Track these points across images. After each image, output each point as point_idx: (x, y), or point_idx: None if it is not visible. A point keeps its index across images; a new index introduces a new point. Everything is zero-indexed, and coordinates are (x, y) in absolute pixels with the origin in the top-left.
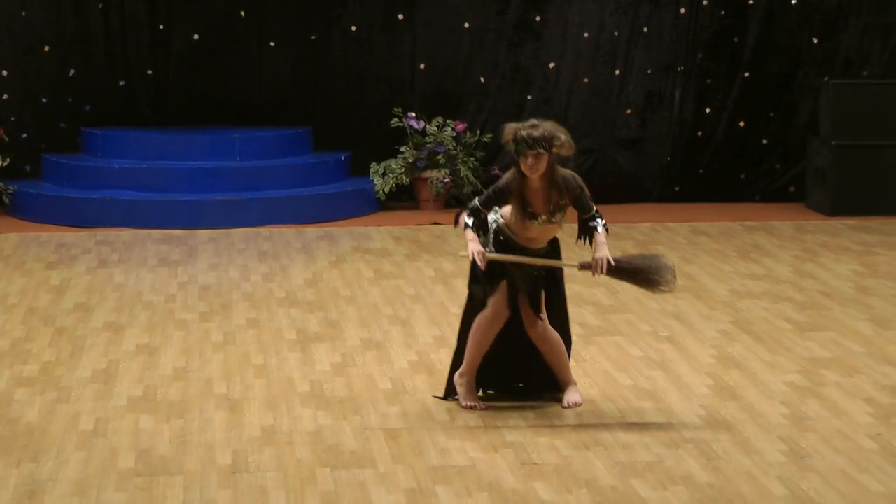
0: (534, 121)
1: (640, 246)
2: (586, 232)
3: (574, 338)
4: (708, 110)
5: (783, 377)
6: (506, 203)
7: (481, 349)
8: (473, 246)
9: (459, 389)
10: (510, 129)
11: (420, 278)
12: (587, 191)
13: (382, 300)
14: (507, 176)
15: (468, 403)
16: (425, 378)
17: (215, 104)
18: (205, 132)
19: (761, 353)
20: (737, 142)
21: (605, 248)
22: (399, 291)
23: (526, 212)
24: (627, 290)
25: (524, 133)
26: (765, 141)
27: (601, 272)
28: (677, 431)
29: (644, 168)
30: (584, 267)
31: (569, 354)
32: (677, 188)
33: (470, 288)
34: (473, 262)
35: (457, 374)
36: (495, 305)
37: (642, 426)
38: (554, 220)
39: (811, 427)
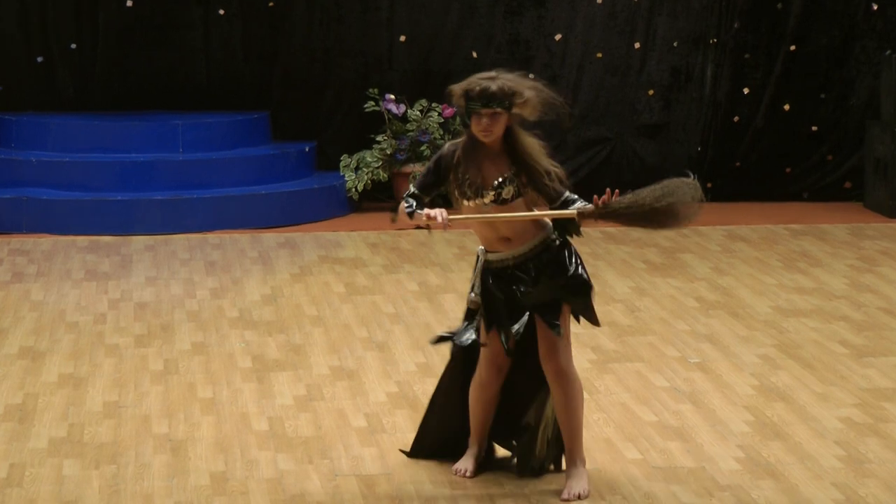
0: (492, 72)
1: (664, 253)
2: (563, 223)
3: (586, 365)
4: (746, 91)
5: (837, 412)
6: (446, 177)
7: (486, 417)
8: (427, 210)
9: (464, 460)
10: (460, 85)
11: (400, 294)
12: (560, 171)
13: (355, 320)
14: (451, 143)
15: (461, 469)
16: (407, 414)
17: (153, 85)
18: (140, 119)
19: (811, 383)
20: (780, 129)
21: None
22: (375, 309)
23: (465, 184)
24: (649, 308)
25: (479, 85)
26: (814, 128)
27: (602, 212)
28: (711, 478)
29: (670, 160)
30: (583, 215)
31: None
32: (710, 184)
33: (453, 338)
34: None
35: (471, 440)
36: (480, 367)
37: (669, 471)
38: (504, 196)
39: (871, 472)
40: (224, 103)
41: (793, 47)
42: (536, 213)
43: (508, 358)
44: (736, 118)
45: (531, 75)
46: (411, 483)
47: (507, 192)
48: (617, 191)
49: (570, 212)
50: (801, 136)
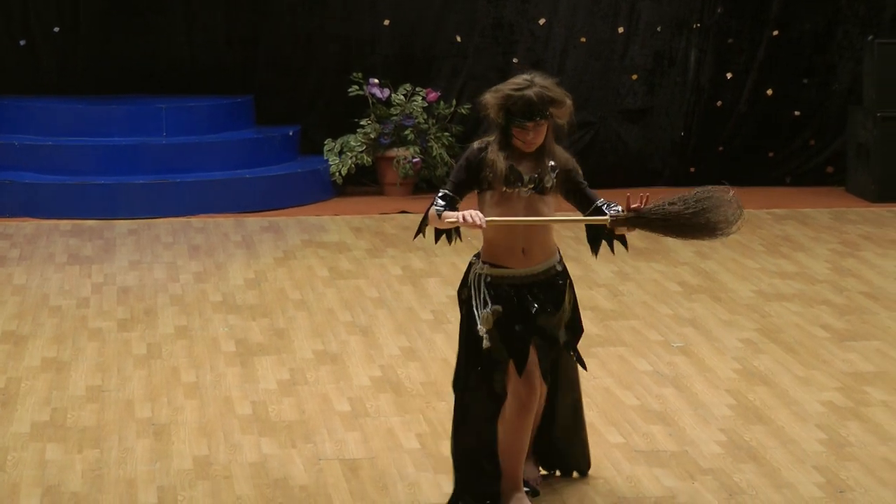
0: (525, 77)
1: (648, 238)
2: (597, 230)
3: None
4: (729, 75)
5: (819, 395)
6: (481, 173)
7: (521, 451)
8: (459, 214)
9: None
10: (496, 94)
11: (384, 278)
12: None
13: (339, 304)
14: (480, 141)
15: None
16: (390, 398)
17: (137, 68)
18: (124, 102)
19: (793, 367)
20: (763, 113)
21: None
22: (359, 294)
23: (508, 171)
24: (632, 293)
25: (521, 97)
26: (797, 112)
27: (634, 224)
28: (693, 461)
29: (653, 145)
30: (616, 222)
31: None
32: (692, 169)
33: (457, 381)
34: (462, 339)
35: (502, 487)
36: (517, 390)
37: (651, 455)
38: (545, 184)
39: (852, 455)
40: (208, 87)
41: (776, 32)
42: (571, 218)
43: (538, 371)
44: (719, 103)
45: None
46: (395, 467)
47: (549, 180)
48: (648, 195)
49: (604, 218)
50: (784, 121)
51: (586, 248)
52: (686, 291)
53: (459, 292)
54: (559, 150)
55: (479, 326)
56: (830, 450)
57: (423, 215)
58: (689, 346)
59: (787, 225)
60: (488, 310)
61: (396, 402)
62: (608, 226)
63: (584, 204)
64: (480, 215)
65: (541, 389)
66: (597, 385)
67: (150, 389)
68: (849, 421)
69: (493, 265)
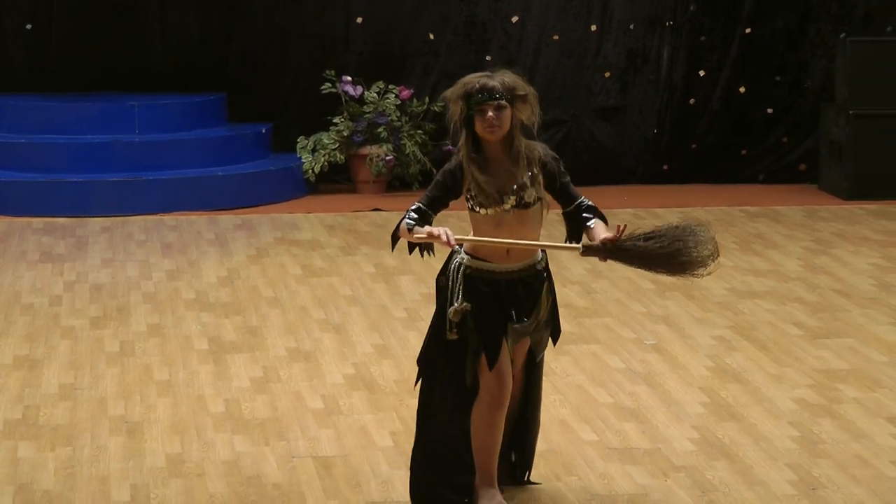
0: (486, 71)
1: None
2: (578, 232)
3: None
4: (702, 73)
5: (792, 393)
6: (458, 192)
7: (494, 447)
8: (430, 228)
9: (483, 500)
10: (455, 88)
11: (357, 275)
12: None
13: (312, 302)
14: (454, 157)
15: None
16: (363, 395)
17: (109, 66)
18: (96, 99)
19: (766, 365)
20: (736, 111)
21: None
22: (332, 291)
23: (486, 191)
24: (606, 290)
25: (478, 81)
26: (769, 110)
27: (607, 254)
28: (666, 458)
29: (626, 143)
30: (589, 250)
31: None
32: (665, 167)
33: (422, 366)
34: (434, 326)
35: (476, 483)
36: (489, 384)
37: (624, 452)
38: (526, 200)
39: (825, 452)
40: (180, 85)
41: (748, 30)
42: (542, 243)
43: (509, 366)
44: (692, 100)
45: (488, 57)
46: (368, 464)
47: (529, 195)
48: (626, 225)
49: (575, 246)
50: (757, 119)
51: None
52: (659, 289)
53: (438, 279)
54: (533, 146)
55: (448, 318)
56: (803, 447)
57: (395, 227)
58: (662, 344)
59: (759, 223)
60: (458, 305)
61: (370, 399)
62: (580, 254)
63: (565, 201)
64: (449, 233)
65: (512, 385)
66: (570, 382)
67: (122, 387)
68: (821, 418)
69: (474, 257)
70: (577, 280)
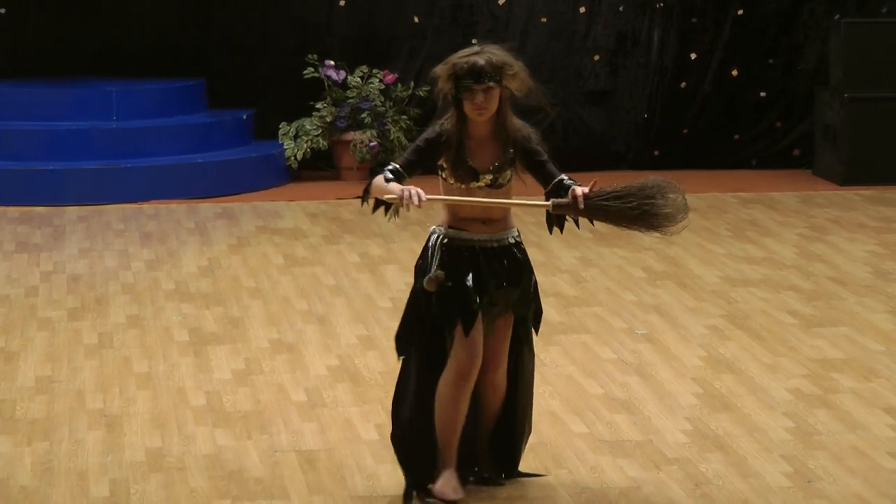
0: (474, 47)
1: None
2: (559, 207)
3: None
4: (693, 56)
5: (786, 383)
6: (435, 161)
7: (455, 423)
8: (399, 188)
9: (438, 483)
10: (444, 66)
11: (341, 265)
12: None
13: (295, 292)
14: (439, 124)
15: (448, 498)
16: (348, 387)
17: (86, 51)
18: (73, 85)
19: (760, 354)
20: (728, 95)
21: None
22: (315, 281)
23: (463, 168)
24: (596, 279)
25: (466, 62)
26: (762, 94)
27: (580, 207)
28: (658, 450)
29: (616, 127)
30: (559, 208)
31: (523, 447)
32: (656, 152)
33: (400, 342)
34: (410, 303)
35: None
36: (458, 355)
37: (615, 444)
38: (500, 181)
39: (820, 444)
40: (159, 70)
41: (740, 11)
42: (513, 201)
43: (481, 340)
44: (683, 84)
45: (475, 41)
46: (353, 458)
47: (504, 176)
48: (596, 181)
49: (545, 203)
50: (750, 103)
51: (548, 233)
52: (650, 277)
53: (417, 264)
54: (519, 125)
55: (430, 274)
56: (798, 438)
57: (368, 182)
58: (654, 334)
59: (753, 209)
60: (432, 273)
61: (354, 392)
62: (551, 211)
63: (544, 180)
64: (421, 193)
65: (481, 359)
66: (559, 373)
67: (101, 380)
68: (817, 409)
69: (452, 227)
70: (566, 268)
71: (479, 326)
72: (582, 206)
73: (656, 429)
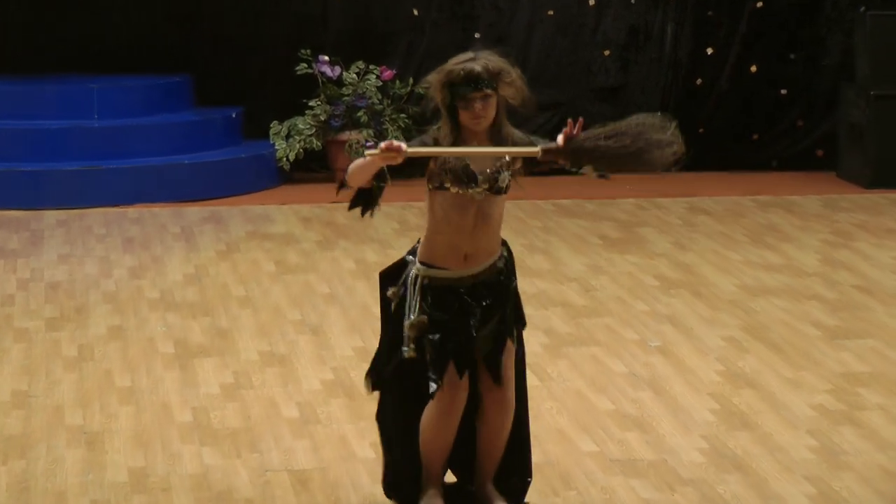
0: (468, 53)
1: (622, 228)
2: (548, 152)
3: (538, 349)
4: (709, 51)
5: (810, 398)
6: (421, 167)
7: (441, 451)
8: (383, 144)
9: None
10: (437, 74)
11: (336, 272)
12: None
13: (287, 301)
14: (429, 135)
15: None
16: (343, 403)
17: (66, 45)
18: (53, 82)
19: (781, 368)
20: (746, 92)
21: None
22: (309, 290)
23: (464, 173)
24: (606, 287)
25: (462, 68)
26: (783, 91)
27: (569, 155)
28: (673, 471)
29: None
30: (548, 153)
31: (529, 476)
32: None
33: (374, 376)
34: (383, 348)
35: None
36: (444, 391)
37: (627, 464)
38: (500, 184)
39: (846, 464)
40: (143, 65)
41: (759, 3)
42: (498, 149)
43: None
44: (698, 81)
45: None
46: (348, 478)
47: (503, 179)
48: (582, 120)
49: (534, 150)
50: (769, 100)
51: (555, 238)
52: (664, 286)
53: (384, 285)
54: (516, 135)
55: (405, 333)
56: (822, 458)
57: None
58: (668, 346)
59: (773, 213)
60: (414, 318)
61: (350, 407)
62: (539, 158)
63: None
64: (402, 145)
65: (463, 388)
66: (567, 388)
67: (81, 394)
68: (842, 426)
69: (429, 266)
70: (574, 276)
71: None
72: (565, 143)
73: (670, 448)
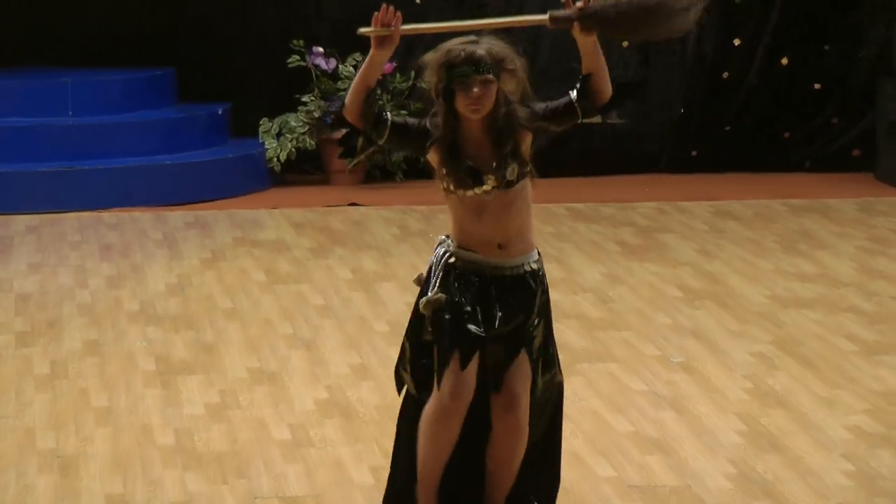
0: (471, 36)
1: (641, 233)
2: (585, 90)
3: None
4: (737, 42)
5: (845, 419)
6: (422, 145)
7: (436, 459)
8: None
9: None
10: (435, 53)
11: (331, 282)
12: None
13: (278, 314)
14: (427, 120)
15: None
16: (338, 423)
17: (38, 36)
18: (24, 76)
19: (814, 386)
20: (777, 86)
21: None
22: (301, 301)
23: (462, 170)
24: (624, 298)
25: (463, 49)
26: (817, 85)
27: (580, 21)
28: (697, 497)
29: (647, 124)
30: (558, 21)
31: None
32: (694, 152)
33: (399, 373)
34: (406, 335)
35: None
36: (444, 388)
37: (647, 490)
38: (509, 177)
39: (884, 490)
40: (122, 57)
41: None
42: (508, 20)
43: (474, 380)
44: (725, 74)
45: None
46: None
47: (512, 171)
48: None
49: (542, 18)
50: (802, 96)
51: (569, 245)
52: (687, 297)
53: (420, 276)
54: (518, 114)
55: (428, 295)
56: (859, 483)
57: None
58: (692, 362)
59: (805, 218)
60: (431, 295)
61: (346, 429)
62: (549, 26)
63: (562, 104)
64: (396, 15)
65: (467, 393)
66: (583, 408)
67: (54, 416)
68: (880, 449)
69: (461, 247)
70: (590, 287)
71: (475, 362)
72: (580, 17)
73: (694, 472)
